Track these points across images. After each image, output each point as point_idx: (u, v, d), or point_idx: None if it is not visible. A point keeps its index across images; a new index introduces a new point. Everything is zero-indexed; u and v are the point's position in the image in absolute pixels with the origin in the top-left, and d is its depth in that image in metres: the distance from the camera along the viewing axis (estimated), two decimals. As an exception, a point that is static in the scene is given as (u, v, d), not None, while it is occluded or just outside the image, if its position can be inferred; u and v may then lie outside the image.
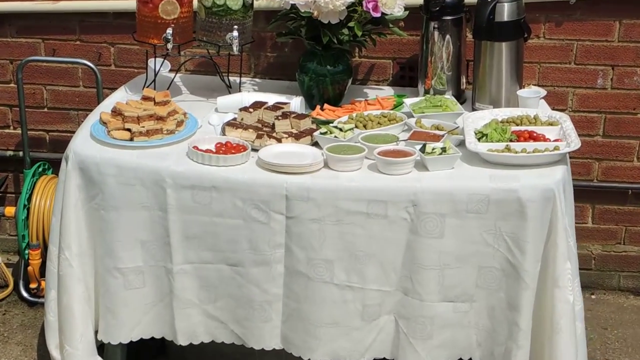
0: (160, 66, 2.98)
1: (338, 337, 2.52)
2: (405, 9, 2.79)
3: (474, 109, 2.88)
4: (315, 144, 2.61)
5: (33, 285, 3.28)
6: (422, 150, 2.47)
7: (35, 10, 3.25)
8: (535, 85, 3.11)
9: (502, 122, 2.68)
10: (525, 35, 2.87)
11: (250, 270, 2.51)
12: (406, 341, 2.51)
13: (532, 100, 2.81)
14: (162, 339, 2.73)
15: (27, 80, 3.30)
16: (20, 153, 3.39)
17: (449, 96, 2.90)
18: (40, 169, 3.32)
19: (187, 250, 2.54)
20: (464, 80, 3.02)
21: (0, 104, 3.42)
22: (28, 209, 3.22)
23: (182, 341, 2.62)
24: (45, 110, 3.41)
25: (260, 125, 2.69)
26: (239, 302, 2.55)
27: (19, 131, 3.37)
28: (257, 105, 2.79)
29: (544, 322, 2.45)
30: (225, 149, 2.56)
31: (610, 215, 3.31)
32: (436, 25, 2.90)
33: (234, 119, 2.73)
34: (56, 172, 2.89)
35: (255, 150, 2.56)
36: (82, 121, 2.86)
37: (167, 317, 2.62)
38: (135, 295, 2.60)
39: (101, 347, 2.72)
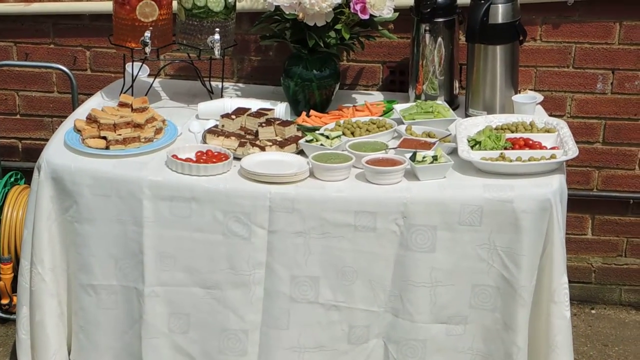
0: (139, 71, 2.97)
1: None
2: (395, 10, 2.79)
3: (467, 115, 2.88)
4: (301, 152, 2.60)
5: (4, 301, 3.26)
6: (413, 158, 2.46)
7: (6, 12, 3.25)
8: (531, 90, 3.11)
9: (496, 129, 2.67)
10: (521, 38, 2.87)
11: (227, 293, 2.50)
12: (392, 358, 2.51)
13: (528, 106, 2.81)
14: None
15: (3, 88, 3.31)
16: None
17: (441, 102, 2.89)
18: (12, 179, 3.30)
19: (160, 271, 2.52)
20: (456, 85, 3.01)
21: None
22: None
23: None
24: (18, 117, 3.40)
25: (243, 133, 2.69)
26: (213, 331, 2.53)
27: None
28: (240, 111, 2.78)
29: (539, 339, 2.45)
30: (206, 157, 2.56)
31: (611, 227, 3.30)
32: (427, 28, 2.89)
33: (216, 126, 2.73)
34: (29, 182, 2.87)
35: (237, 159, 2.55)
36: (57, 128, 2.85)
37: (135, 348, 2.59)
38: (108, 317, 2.60)
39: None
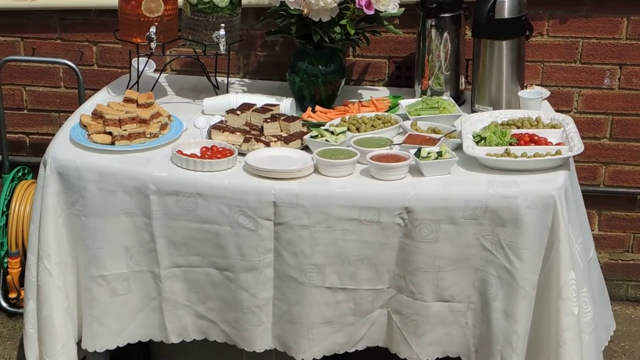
0: (144, 66, 2.97)
1: (331, 334, 2.54)
2: (401, 5, 2.79)
3: (473, 111, 2.87)
4: (306, 148, 2.60)
5: (12, 295, 3.28)
6: (417, 154, 2.46)
7: (13, 7, 3.24)
8: (538, 85, 3.09)
9: (502, 124, 2.66)
10: (527, 33, 2.86)
11: (239, 276, 2.51)
12: (400, 335, 2.53)
13: (534, 102, 2.80)
14: (147, 349, 2.75)
15: (5, 80, 3.31)
16: None
17: (446, 97, 2.88)
18: (20, 174, 3.32)
19: (174, 256, 2.54)
20: (462, 80, 3.01)
21: None
22: (7, 216, 3.22)
23: (174, 339, 2.64)
24: (25, 112, 3.41)
25: (248, 129, 2.69)
26: (229, 304, 2.55)
27: None
28: (245, 107, 2.78)
29: (549, 334, 2.44)
30: (211, 153, 2.55)
31: (618, 222, 3.30)
32: (433, 23, 2.89)
33: (221, 121, 2.73)
34: (36, 176, 2.88)
35: (242, 154, 2.55)
36: (64, 123, 2.85)
37: (156, 320, 2.62)
38: (121, 302, 2.60)
39: (84, 359, 2.71)
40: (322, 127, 2.65)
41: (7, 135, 3.34)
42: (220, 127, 2.67)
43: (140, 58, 2.95)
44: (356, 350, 2.60)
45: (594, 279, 2.74)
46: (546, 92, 2.91)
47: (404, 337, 2.52)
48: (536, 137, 2.58)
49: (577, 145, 2.50)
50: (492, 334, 2.47)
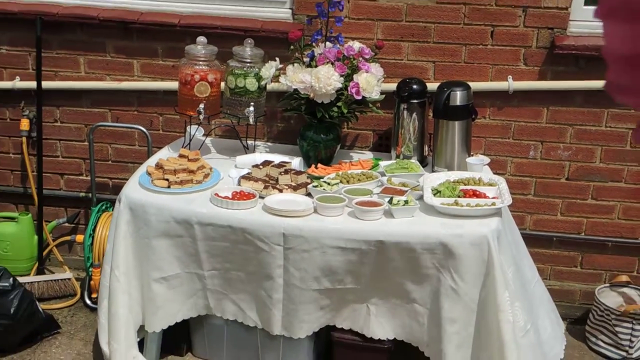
0: (195, 132, 2.94)
1: (323, 315, 2.50)
2: (382, 93, 2.75)
3: (433, 171, 2.81)
4: (309, 194, 2.56)
5: (94, 295, 3.22)
6: (390, 202, 2.42)
7: (105, 88, 3.23)
8: (481, 154, 3.02)
9: (453, 182, 2.60)
10: (473, 116, 2.81)
11: (260, 281, 2.49)
12: (375, 320, 2.48)
13: (478, 166, 2.74)
14: (189, 340, 2.71)
15: (97, 139, 3.27)
16: (89, 194, 3.35)
17: (414, 160, 2.84)
18: (104, 207, 3.27)
19: (213, 263, 2.52)
20: (426, 148, 2.95)
21: (77, 157, 3.37)
22: (93, 237, 3.17)
23: (216, 313, 2.61)
24: (109, 162, 3.37)
25: (267, 179, 2.64)
26: (253, 298, 2.53)
27: (89, 178, 3.33)
28: (266, 163, 2.74)
29: (491, 337, 2.34)
30: (239, 196, 2.52)
31: (539, 257, 3.18)
32: (405, 107, 2.84)
33: (248, 173, 2.69)
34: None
35: (262, 197, 2.52)
36: (135, 172, 2.81)
37: (201, 302, 2.60)
38: (176, 292, 2.58)
39: (140, 344, 2.65)
40: (322, 180, 2.61)
41: (96, 178, 3.30)
42: (247, 177, 2.63)
43: (192, 126, 2.92)
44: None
45: (542, 293, 2.73)
46: (487, 160, 2.84)
47: (379, 322, 2.47)
48: (478, 192, 2.52)
49: (507, 199, 2.44)
50: (440, 333, 2.38)
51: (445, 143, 2.79)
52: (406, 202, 2.42)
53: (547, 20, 2.88)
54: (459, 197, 2.47)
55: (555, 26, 2.88)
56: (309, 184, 2.60)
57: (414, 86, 2.83)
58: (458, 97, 2.74)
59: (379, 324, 2.48)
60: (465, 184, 2.58)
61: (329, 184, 2.56)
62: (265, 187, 2.56)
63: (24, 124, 3.26)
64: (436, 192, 2.51)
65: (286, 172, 2.65)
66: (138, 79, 3.19)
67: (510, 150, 3.07)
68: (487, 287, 2.33)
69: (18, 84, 3.24)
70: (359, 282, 2.43)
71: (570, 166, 3.06)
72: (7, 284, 2.77)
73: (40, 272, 3.32)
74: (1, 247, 3.28)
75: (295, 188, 2.57)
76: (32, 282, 3.14)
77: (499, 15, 2.89)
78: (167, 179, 2.59)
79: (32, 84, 3.19)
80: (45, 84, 3.19)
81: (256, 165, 2.71)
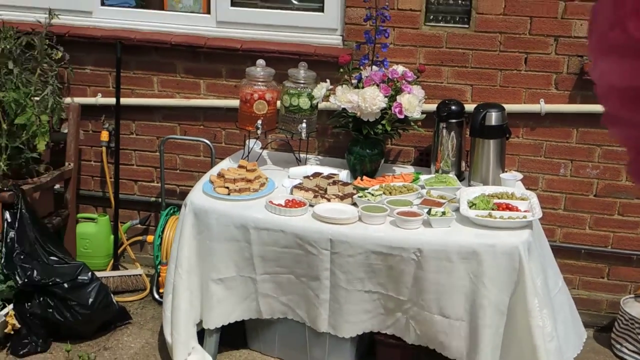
0: (253, 145, 2.99)
1: (368, 320, 2.49)
2: (422, 112, 2.77)
3: (469, 185, 2.81)
4: (354, 204, 2.58)
5: (161, 290, 3.25)
6: (429, 212, 2.42)
7: (174, 104, 3.31)
8: (514, 170, 3.01)
9: (488, 195, 2.60)
10: (508, 136, 2.80)
11: (308, 282, 2.50)
12: (414, 332, 2.45)
13: (511, 182, 2.73)
14: (245, 335, 2.73)
15: (166, 150, 3.35)
16: (159, 199, 3.42)
17: (452, 175, 2.83)
18: (171, 211, 3.33)
19: (266, 267, 2.54)
20: (463, 164, 2.95)
21: (149, 165, 3.45)
22: (161, 238, 3.23)
23: (266, 316, 2.62)
24: (177, 171, 3.44)
25: (317, 189, 2.68)
26: (302, 298, 2.54)
27: (159, 184, 3.41)
28: (316, 174, 2.78)
29: (520, 341, 2.33)
30: (291, 204, 2.55)
31: (568, 268, 3.14)
32: (444, 126, 2.85)
33: (300, 183, 2.72)
34: (180, 213, 2.90)
35: (312, 206, 2.55)
36: (199, 180, 2.87)
37: (254, 306, 2.61)
38: (231, 294, 2.60)
39: (199, 335, 2.69)
40: (366, 191, 2.63)
41: (165, 185, 3.37)
42: (299, 187, 2.67)
43: (251, 139, 2.97)
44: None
45: (563, 301, 2.68)
46: (520, 176, 2.83)
47: (418, 334, 2.44)
48: (511, 206, 2.51)
49: (538, 213, 2.43)
50: (477, 341, 2.35)
51: (481, 160, 2.79)
52: (443, 213, 2.42)
53: (577, 49, 2.86)
54: (492, 209, 2.46)
55: (585, 54, 2.86)
56: (354, 194, 2.61)
57: (453, 107, 2.83)
58: (493, 118, 2.74)
59: (418, 336, 2.44)
60: (499, 198, 2.58)
61: (373, 194, 2.58)
62: (315, 197, 2.59)
63: (104, 136, 3.36)
64: (472, 205, 2.51)
65: (334, 183, 2.68)
66: (204, 97, 3.26)
67: (542, 168, 3.06)
68: (518, 294, 2.31)
69: (100, 100, 3.34)
70: (400, 291, 2.41)
71: (598, 184, 3.02)
72: (86, 278, 2.84)
73: (115, 268, 3.39)
74: (82, 245, 3.37)
75: (342, 198, 2.60)
76: (107, 277, 3.21)
77: (532, 44, 2.89)
78: (227, 187, 2.63)
79: (112, 101, 3.29)
80: (123, 101, 3.29)
81: (307, 177, 2.75)
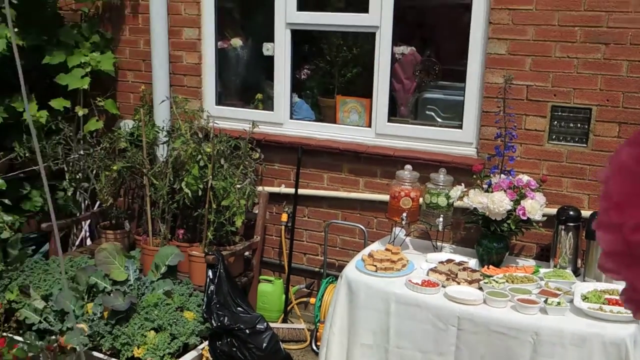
0: (398, 232, 3.08)
1: None
2: (543, 215, 2.76)
3: (583, 281, 2.74)
4: (480, 288, 2.59)
5: (318, 343, 3.36)
6: (546, 301, 2.41)
7: (339, 196, 3.45)
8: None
9: (600, 291, 2.53)
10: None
11: (433, 357, 2.49)
12: None
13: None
14: None
15: (330, 232, 3.47)
16: (322, 270, 3.56)
17: (568, 270, 2.78)
18: (330, 280, 3.46)
19: (398, 340, 2.55)
20: (579, 261, 2.88)
21: (316, 242, 3.57)
22: (321, 301, 3.36)
23: None
24: (337, 248, 3.57)
25: (449, 273, 2.72)
26: None
27: (322, 258, 3.55)
28: (449, 261, 2.83)
29: None
30: (427, 284, 2.60)
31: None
32: (563, 228, 2.82)
33: (435, 267, 2.78)
34: (337, 283, 3.03)
35: (444, 287, 2.59)
36: (354, 257, 2.98)
37: None
38: (367, 358, 2.61)
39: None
40: (491, 278, 2.64)
41: (327, 259, 3.50)
42: (434, 270, 2.73)
43: (396, 228, 3.06)
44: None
45: None
46: (633, 275, 2.71)
47: None
48: (620, 302, 2.41)
49: (647, 311, 2.32)
50: None
51: (595, 259, 2.73)
52: (559, 303, 2.39)
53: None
54: (603, 303, 2.41)
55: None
56: (481, 280, 2.64)
57: (571, 212, 2.80)
58: (607, 224, 2.69)
59: None
60: (610, 294, 2.50)
61: (497, 282, 2.59)
62: (447, 279, 2.65)
63: (284, 217, 3.63)
64: (585, 298, 2.46)
65: (464, 269, 2.72)
66: (362, 192, 3.43)
67: (657, 269, 2.89)
68: None
69: (283, 189, 3.62)
70: None
71: None
72: (262, 327, 3.02)
73: (284, 321, 3.58)
74: (261, 300, 3.60)
75: (470, 282, 2.63)
76: (278, 328, 3.40)
77: (647, 160, 2.81)
78: (375, 265, 2.74)
79: (292, 190, 3.56)
80: (300, 191, 3.55)
81: (442, 262, 2.81)
